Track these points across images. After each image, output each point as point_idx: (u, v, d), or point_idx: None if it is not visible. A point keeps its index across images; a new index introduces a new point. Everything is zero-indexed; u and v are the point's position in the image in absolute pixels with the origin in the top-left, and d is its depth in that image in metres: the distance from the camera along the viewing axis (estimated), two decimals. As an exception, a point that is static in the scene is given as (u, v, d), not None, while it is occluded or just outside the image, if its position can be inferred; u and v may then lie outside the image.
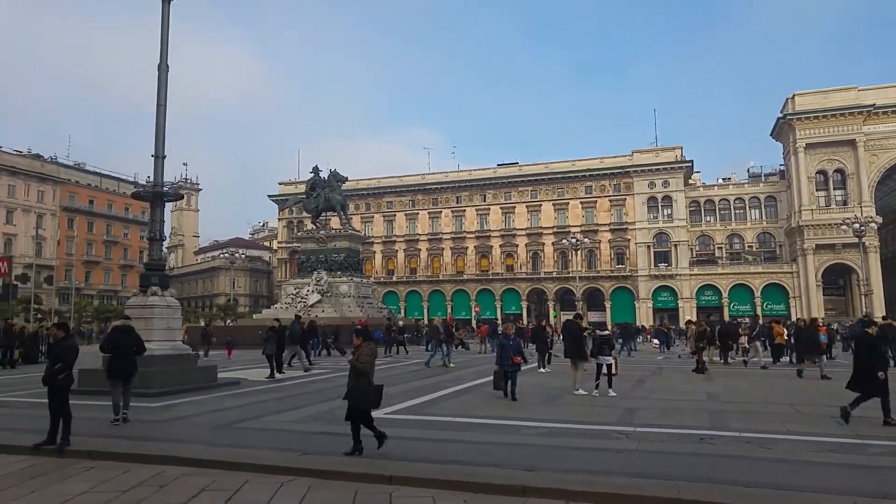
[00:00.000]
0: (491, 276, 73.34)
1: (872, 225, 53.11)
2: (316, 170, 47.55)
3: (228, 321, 63.02)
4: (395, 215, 78.33)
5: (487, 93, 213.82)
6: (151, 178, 16.47)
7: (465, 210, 75.46)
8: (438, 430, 9.44)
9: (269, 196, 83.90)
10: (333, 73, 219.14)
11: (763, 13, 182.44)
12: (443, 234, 76.03)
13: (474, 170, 77.48)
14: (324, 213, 48.11)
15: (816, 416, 10.61)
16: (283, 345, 18.34)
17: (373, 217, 78.91)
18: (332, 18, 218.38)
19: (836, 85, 61.99)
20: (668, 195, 67.24)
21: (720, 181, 76.33)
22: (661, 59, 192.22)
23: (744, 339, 23.97)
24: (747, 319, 49.96)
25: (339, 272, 43.93)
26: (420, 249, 76.95)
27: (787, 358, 22.67)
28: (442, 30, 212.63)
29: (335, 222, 52.32)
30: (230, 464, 7.31)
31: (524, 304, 71.19)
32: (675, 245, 66.34)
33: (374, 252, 77.49)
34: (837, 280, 62.93)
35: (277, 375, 17.64)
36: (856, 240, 46.94)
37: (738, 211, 68.94)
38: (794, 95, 62.34)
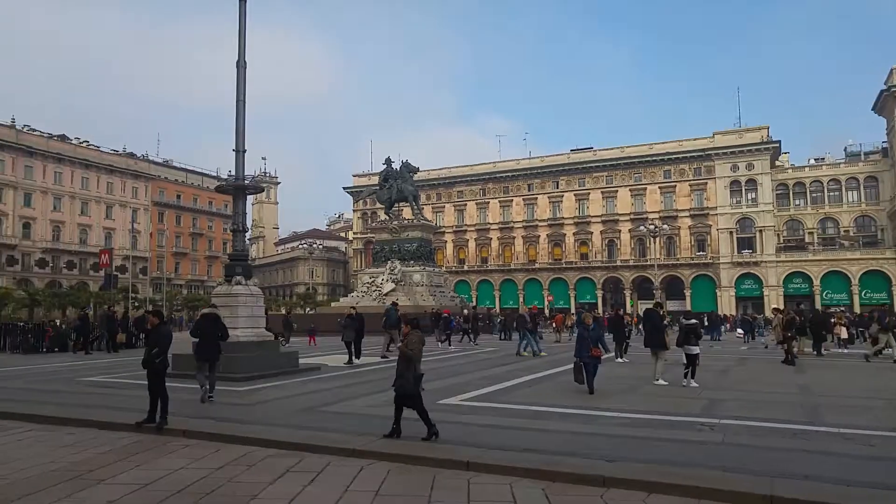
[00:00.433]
0: (564, 265, 72.24)
1: None
2: (388, 161, 48.26)
3: (308, 309, 65.21)
4: (465, 204, 78.39)
5: (560, 78, 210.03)
6: (233, 173, 16.96)
7: (537, 198, 74.54)
8: (514, 418, 9.38)
9: (344, 188, 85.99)
10: (405, 65, 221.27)
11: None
12: (514, 222, 75.46)
13: (546, 156, 76.36)
14: (396, 204, 48.79)
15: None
16: (361, 331, 18.74)
17: (444, 207, 79.30)
18: (402, 11, 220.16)
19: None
20: (753, 178, 63.88)
21: (811, 162, 71.82)
22: (744, 34, 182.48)
23: (841, 330, 22.45)
24: (843, 308, 46.93)
25: (411, 261, 44.55)
26: (491, 238, 76.74)
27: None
28: (513, 15, 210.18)
29: (407, 212, 52.97)
30: (313, 447, 7.53)
31: (599, 293, 69.75)
32: (761, 231, 63.02)
33: (446, 241, 77.91)
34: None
35: (355, 361, 18.07)
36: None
37: (832, 193, 64.58)
38: (900, 64, 57.50)
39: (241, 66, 16.49)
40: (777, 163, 67.00)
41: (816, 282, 60.75)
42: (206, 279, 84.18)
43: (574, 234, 72.39)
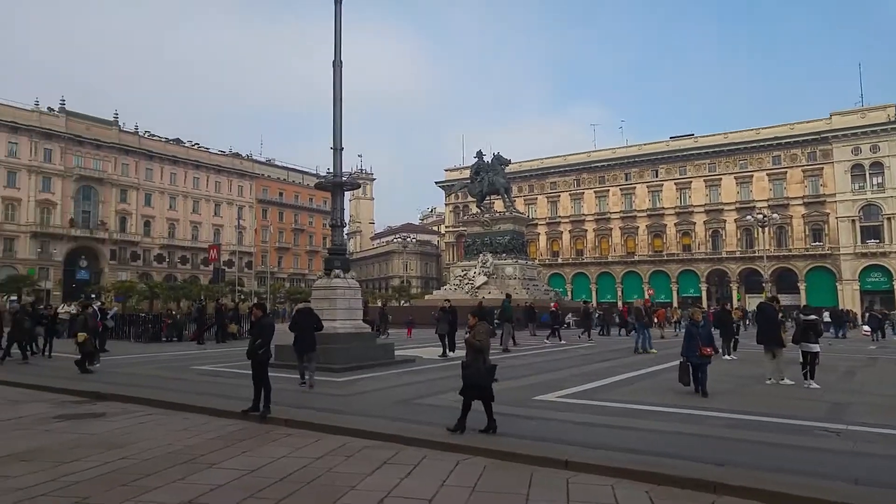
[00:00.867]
0: (665, 257, 69.40)
1: None
2: (479, 154, 48.19)
3: (402, 302, 66.55)
4: (559, 196, 77.01)
5: (656, 64, 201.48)
6: (331, 170, 17.41)
7: (634, 187, 72.00)
8: (613, 416, 9.00)
9: (436, 182, 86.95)
10: (495, 59, 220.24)
11: None
12: (611, 213, 73.31)
13: (644, 144, 73.54)
14: (488, 197, 48.66)
15: None
16: (455, 324, 18.77)
17: (536, 198, 78.28)
18: (492, 3, 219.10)
19: None
20: (878, 161, 58.46)
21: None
22: (862, 3, 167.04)
23: None
24: None
25: (503, 254, 44.29)
26: (587, 230, 74.96)
27: None
28: (604, 2, 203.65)
29: (499, 205, 52.74)
30: (410, 439, 7.56)
31: (703, 286, 66.51)
32: (889, 218, 57.61)
33: (539, 234, 76.94)
34: None
35: (450, 354, 18.13)
36: None
37: (972, 175, 57.99)
38: None
39: (336, 65, 16.87)
40: (907, 143, 60.90)
41: (956, 274, 54.81)
42: (306, 272, 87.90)
43: (675, 224, 69.38)
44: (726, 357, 17.60)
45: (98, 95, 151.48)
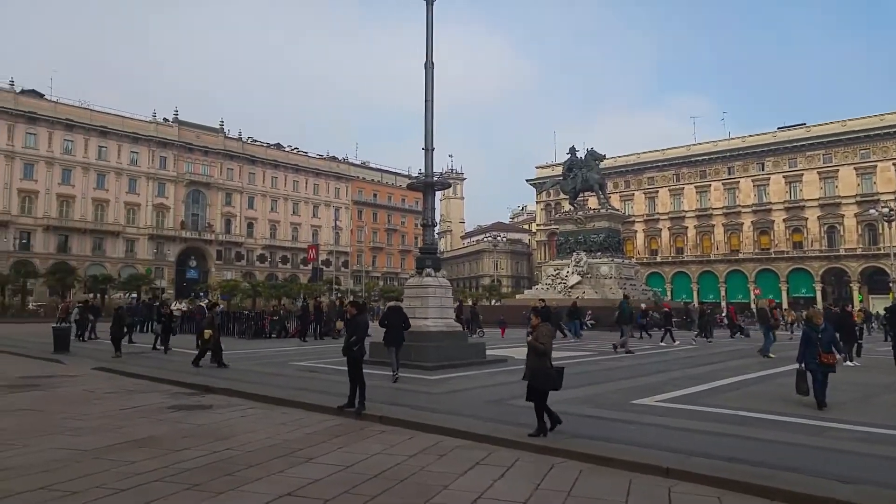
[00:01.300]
0: (773, 255, 65.13)
1: None
2: (572, 150, 47.13)
3: (493, 301, 66.45)
4: (657, 192, 74.12)
5: (760, 50, 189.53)
6: (423, 171, 17.59)
7: (738, 181, 68.06)
8: (717, 423, 8.43)
9: (526, 180, 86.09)
10: (588, 54, 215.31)
11: None
12: (713, 209, 69.69)
13: (749, 136, 69.30)
14: (581, 194, 47.51)
15: None
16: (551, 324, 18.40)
17: (633, 195, 75.74)
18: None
19: None
20: None
21: None
22: None
23: None
24: None
25: (598, 253, 43.08)
26: (687, 227, 71.68)
27: None
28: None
29: (593, 202, 51.42)
30: (503, 440, 7.45)
31: (817, 286, 61.84)
32: None
33: (636, 231, 74.42)
34: None
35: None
36: None
37: None
38: None
39: (428, 66, 16.97)
40: None
41: None
42: (399, 271, 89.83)
43: (784, 220, 64.96)
44: (849, 363, 16.18)
45: (207, 102, 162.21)
